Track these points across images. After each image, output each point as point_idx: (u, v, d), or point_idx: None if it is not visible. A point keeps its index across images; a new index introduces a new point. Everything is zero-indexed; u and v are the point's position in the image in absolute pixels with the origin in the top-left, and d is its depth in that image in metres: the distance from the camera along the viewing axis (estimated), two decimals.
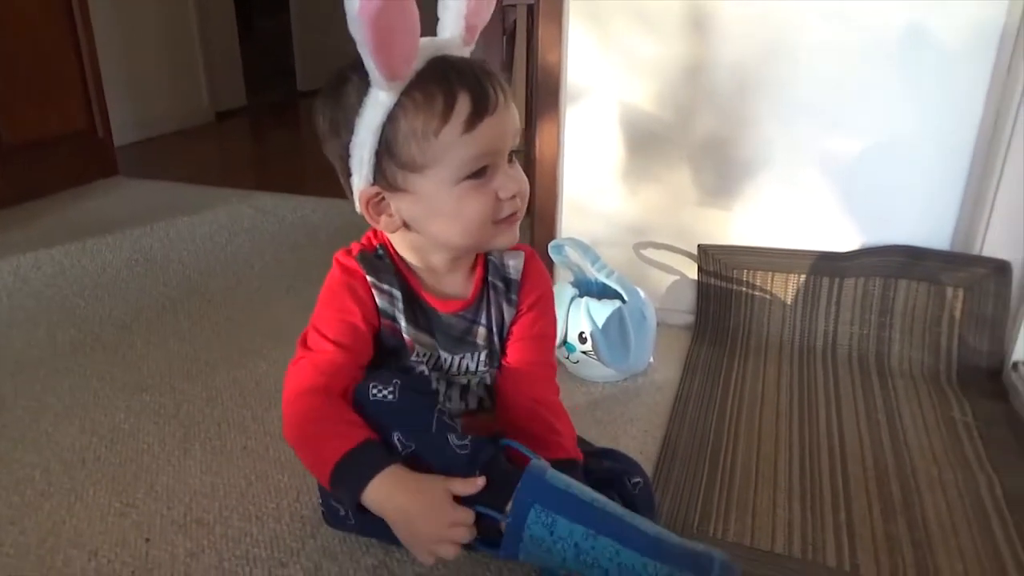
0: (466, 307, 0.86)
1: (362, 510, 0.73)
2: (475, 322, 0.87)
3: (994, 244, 1.34)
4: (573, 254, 1.37)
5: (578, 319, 1.26)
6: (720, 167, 1.45)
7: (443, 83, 0.72)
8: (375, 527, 0.79)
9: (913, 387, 1.34)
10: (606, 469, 0.87)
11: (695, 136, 1.45)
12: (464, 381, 0.88)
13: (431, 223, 0.79)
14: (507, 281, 0.88)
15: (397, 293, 0.82)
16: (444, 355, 0.86)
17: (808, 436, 1.19)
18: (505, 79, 0.77)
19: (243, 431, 1.15)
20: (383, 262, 0.83)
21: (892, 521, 1.00)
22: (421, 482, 0.73)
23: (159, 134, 3.28)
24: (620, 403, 1.27)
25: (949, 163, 1.36)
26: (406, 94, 0.72)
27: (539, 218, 1.56)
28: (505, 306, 0.88)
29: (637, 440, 1.17)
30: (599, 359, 1.26)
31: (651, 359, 1.37)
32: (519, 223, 0.81)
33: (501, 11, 1.85)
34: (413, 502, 0.72)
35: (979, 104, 1.32)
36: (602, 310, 1.25)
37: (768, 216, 1.46)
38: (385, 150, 0.75)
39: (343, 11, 0.66)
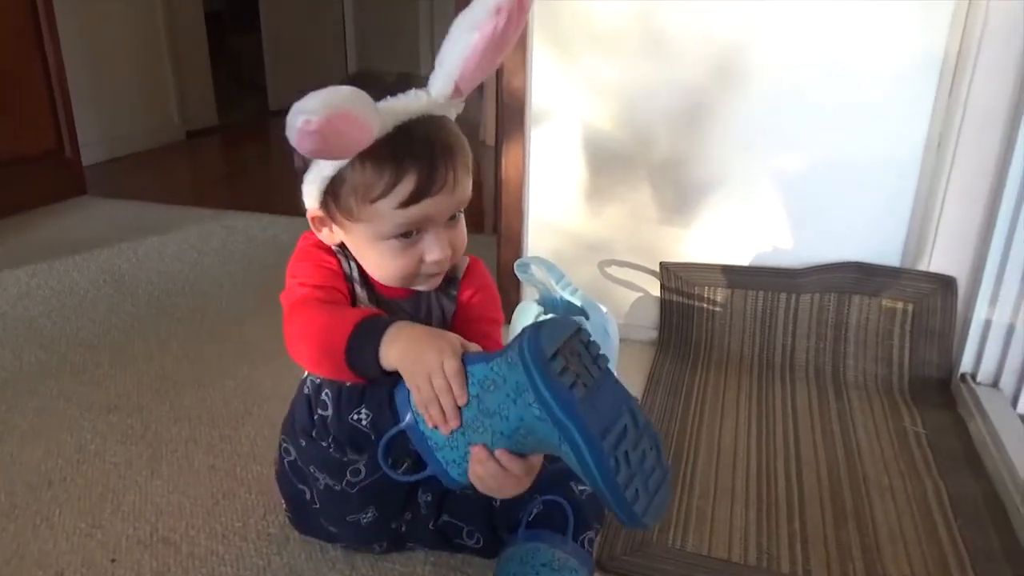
0: (406, 296, 0.88)
1: (384, 374, 0.74)
2: (414, 315, 0.89)
3: (940, 260, 1.39)
4: (538, 272, 1.40)
5: None
6: (679, 186, 1.50)
7: (394, 160, 0.75)
8: (339, 522, 0.81)
9: (867, 398, 1.39)
10: (553, 471, 0.87)
11: (654, 156, 1.49)
12: None
13: (361, 259, 0.84)
14: (449, 280, 0.91)
15: (354, 264, 0.86)
16: None
17: (766, 447, 1.23)
18: (462, 155, 0.78)
19: (210, 450, 1.16)
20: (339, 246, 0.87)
21: (844, 528, 1.04)
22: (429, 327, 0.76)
23: (128, 153, 3.26)
24: None
25: (897, 182, 1.41)
26: (360, 156, 0.74)
27: (505, 238, 1.60)
28: (445, 302, 0.91)
29: None
30: None
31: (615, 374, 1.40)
32: (440, 277, 0.86)
33: None
34: (423, 332, 0.73)
35: (924, 125, 1.37)
36: None
37: (726, 234, 1.51)
38: (331, 192, 0.79)
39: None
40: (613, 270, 1.58)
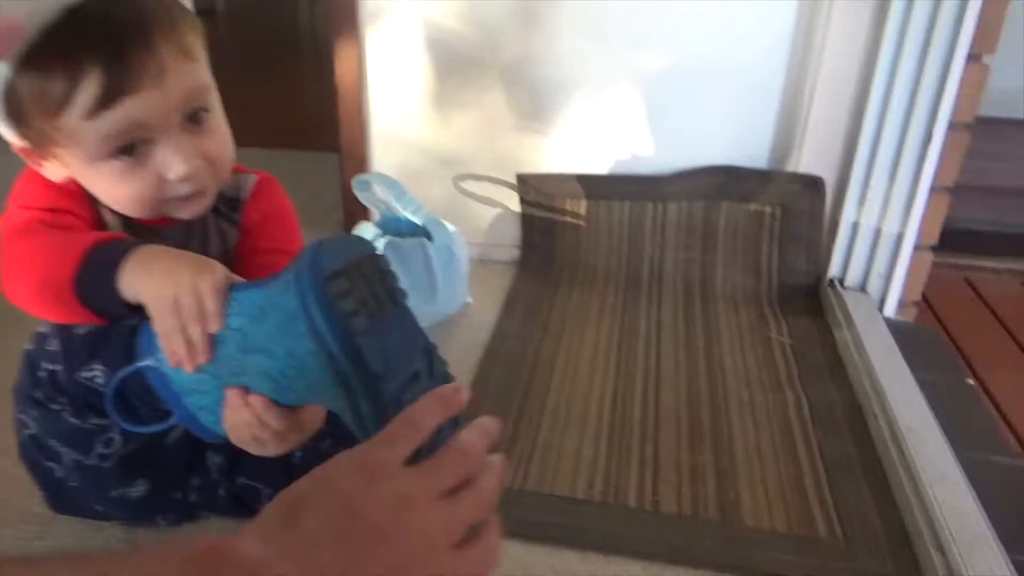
0: (171, 224, 0.71)
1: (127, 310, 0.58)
2: (185, 247, 0.71)
3: (808, 161, 1.31)
4: (380, 191, 1.25)
5: None
6: (533, 88, 1.36)
7: (63, 56, 0.57)
8: (103, 500, 0.69)
9: (734, 310, 1.32)
10: None
11: (504, 55, 1.34)
12: None
13: (92, 190, 0.67)
14: (232, 202, 0.75)
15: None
16: None
17: (625, 368, 1.14)
18: (168, 31, 0.60)
19: None
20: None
21: (699, 450, 0.97)
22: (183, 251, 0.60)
23: None
24: None
25: (764, 81, 1.31)
26: (24, 63, 0.58)
27: (347, 154, 1.43)
28: (227, 227, 0.76)
29: None
30: None
31: (468, 299, 1.28)
32: (210, 193, 0.69)
33: None
34: (179, 254, 0.57)
35: (790, 23, 1.27)
36: (405, 250, 1.15)
37: (587, 140, 1.39)
38: (16, 118, 0.62)
39: None
40: (469, 185, 1.45)
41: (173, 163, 0.63)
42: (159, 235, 0.71)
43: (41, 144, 0.64)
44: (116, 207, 0.67)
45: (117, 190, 0.65)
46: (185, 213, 0.69)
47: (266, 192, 0.78)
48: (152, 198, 0.65)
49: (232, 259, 0.76)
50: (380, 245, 1.15)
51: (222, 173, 0.69)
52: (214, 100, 0.67)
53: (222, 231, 0.76)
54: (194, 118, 0.64)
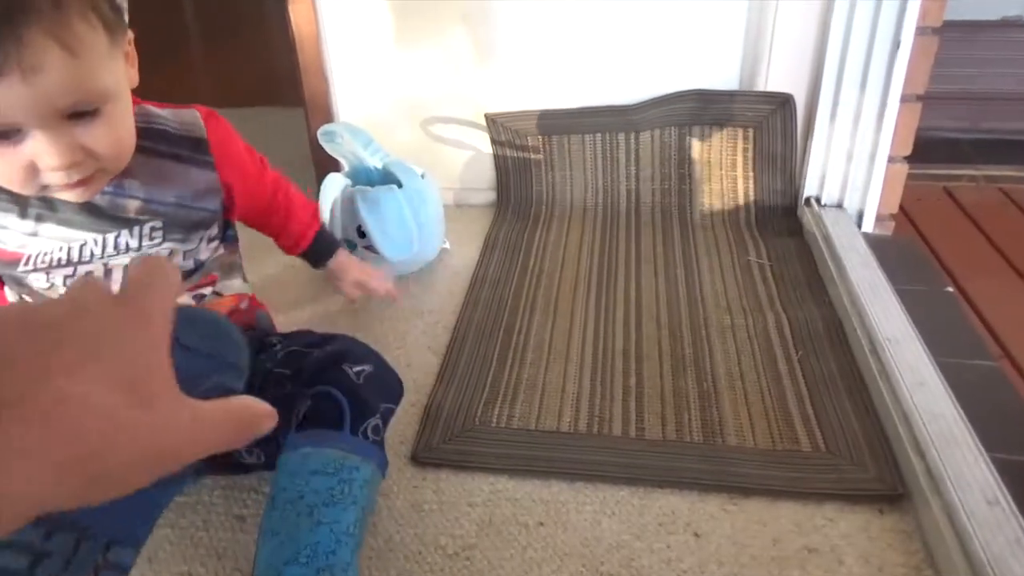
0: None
1: None
2: (121, 195, 0.71)
3: (777, 79, 1.29)
4: (347, 140, 1.23)
5: (352, 213, 1.14)
6: (496, 24, 1.32)
7: None
8: None
9: (713, 236, 1.32)
10: (321, 357, 0.74)
11: None
12: (126, 261, 0.73)
13: None
14: (181, 139, 0.73)
15: None
16: (90, 237, 0.71)
17: (605, 301, 1.14)
18: (46, 23, 0.53)
19: None
20: None
21: (681, 377, 0.98)
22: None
23: None
24: (411, 296, 1.17)
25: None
26: None
27: (311, 106, 1.40)
28: (188, 167, 0.74)
29: (427, 334, 1.08)
30: (380, 253, 1.15)
31: (445, 244, 1.27)
32: (101, 178, 0.66)
33: None
34: None
35: None
36: (376, 199, 1.13)
37: (554, 74, 1.36)
38: None
39: None
40: (438, 129, 1.42)
41: (43, 156, 0.58)
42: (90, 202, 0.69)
43: None
44: None
45: None
46: (71, 197, 0.66)
47: (223, 130, 0.78)
48: (27, 181, 0.61)
49: (202, 200, 0.76)
50: (352, 196, 1.14)
51: (115, 163, 0.65)
52: (106, 98, 0.60)
53: (181, 176, 0.74)
54: (89, 114, 0.59)
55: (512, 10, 1.31)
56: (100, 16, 0.58)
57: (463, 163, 1.45)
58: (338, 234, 1.16)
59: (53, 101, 0.56)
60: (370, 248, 1.16)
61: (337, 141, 1.24)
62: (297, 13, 1.31)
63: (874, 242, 1.24)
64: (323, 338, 0.79)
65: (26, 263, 0.70)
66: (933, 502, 0.74)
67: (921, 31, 1.16)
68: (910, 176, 1.31)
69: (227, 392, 0.36)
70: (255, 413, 0.36)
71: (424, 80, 1.38)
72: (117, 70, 0.62)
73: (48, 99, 0.56)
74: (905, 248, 1.30)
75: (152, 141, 0.72)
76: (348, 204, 1.14)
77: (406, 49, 1.35)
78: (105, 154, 0.62)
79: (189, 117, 0.75)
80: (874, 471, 0.81)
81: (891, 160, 1.27)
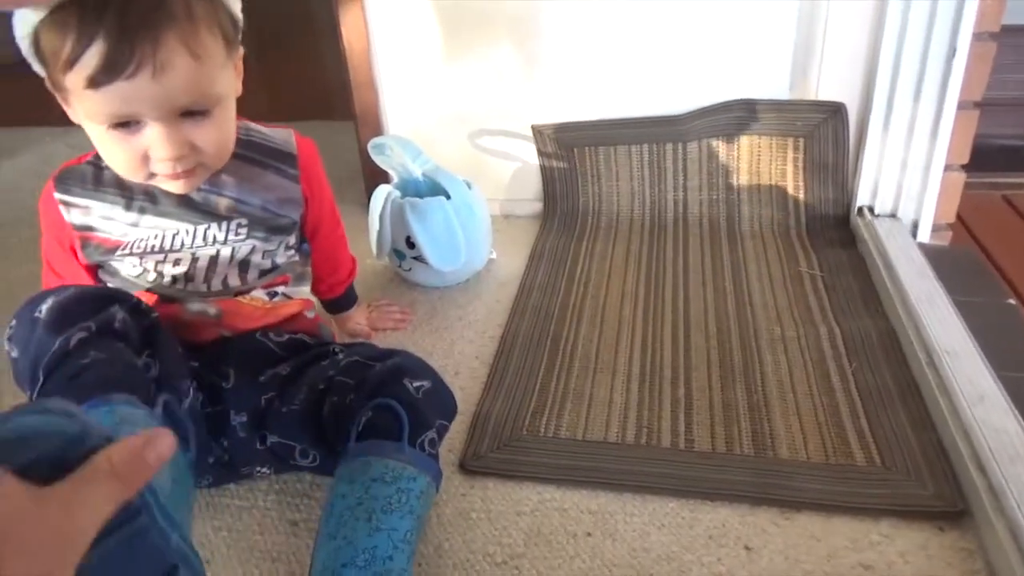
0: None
1: None
2: (214, 193, 0.80)
3: (828, 87, 1.28)
4: (396, 153, 1.25)
5: (401, 224, 1.16)
6: (542, 35, 1.33)
7: (80, 24, 0.61)
8: None
9: (762, 246, 1.30)
10: (383, 370, 0.76)
11: (511, 4, 1.31)
12: (212, 252, 0.81)
13: (93, 143, 0.72)
14: (274, 152, 0.82)
15: (91, 203, 0.77)
16: (183, 228, 0.80)
17: (653, 312, 1.13)
18: (178, 32, 0.63)
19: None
20: (88, 168, 0.77)
21: (730, 388, 0.96)
22: None
23: None
24: (458, 306, 1.19)
25: (778, 7, 1.27)
26: (50, 15, 0.61)
27: (362, 119, 1.42)
28: (280, 180, 0.82)
29: (474, 343, 1.09)
30: (429, 263, 1.16)
31: (492, 254, 1.28)
32: (202, 173, 0.75)
33: None
34: None
35: None
36: (424, 210, 1.15)
37: (601, 85, 1.36)
38: (41, 62, 0.66)
39: None
40: (485, 141, 1.44)
41: (156, 147, 0.67)
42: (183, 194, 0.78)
43: (59, 90, 0.68)
44: (110, 166, 0.73)
45: (107, 154, 0.71)
46: (174, 188, 0.75)
47: (309, 152, 0.87)
48: (138, 168, 0.70)
49: (279, 207, 0.83)
50: (401, 207, 1.16)
51: (215, 160, 0.74)
52: (217, 102, 0.69)
53: (269, 184, 0.82)
54: (200, 113, 0.68)
55: (559, 22, 1.32)
56: (222, 30, 0.68)
57: (510, 174, 1.46)
58: (387, 245, 1.18)
59: (174, 99, 0.65)
60: (419, 258, 1.17)
61: (387, 153, 1.26)
62: (348, 28, 1.34)
63: (930, 252, 1.21)
64: (385, 352, 0.82)
65: (124, 249, 0.79)
66: (996, 520, 0.72)
67: (978, 36, 1.14)
68: (967, 185, 1.28)
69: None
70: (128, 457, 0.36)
71: (472, 92, 1.39)
72: (228, 79, 0.71)
73: (170, 97, 0.64)
74: (962, 258, 1.26)
75: (249, 151, 0.81)
76: (397, 215, 1.16)
77: (454, 62, 1.37)
78: (209, 151, 0.71)
79: (283, 134, 0.85)
80: (933, 487, 0.79)
81: (947, 168, 1.24)
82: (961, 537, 0.74)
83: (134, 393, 0.64)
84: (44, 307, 0.69)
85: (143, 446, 0.37)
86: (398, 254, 1.20)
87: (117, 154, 0.69)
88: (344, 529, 0.66)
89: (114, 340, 0.69)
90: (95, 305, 0.70)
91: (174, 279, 0.82)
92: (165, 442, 0.39)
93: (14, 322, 0.70)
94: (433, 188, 1.23)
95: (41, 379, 0.66)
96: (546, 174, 1.43)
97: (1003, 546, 0.69)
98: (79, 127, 0.70)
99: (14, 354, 0.70)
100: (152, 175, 0.71)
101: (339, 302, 1.06)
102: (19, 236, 1.54)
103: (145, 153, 0.68)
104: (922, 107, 1.20)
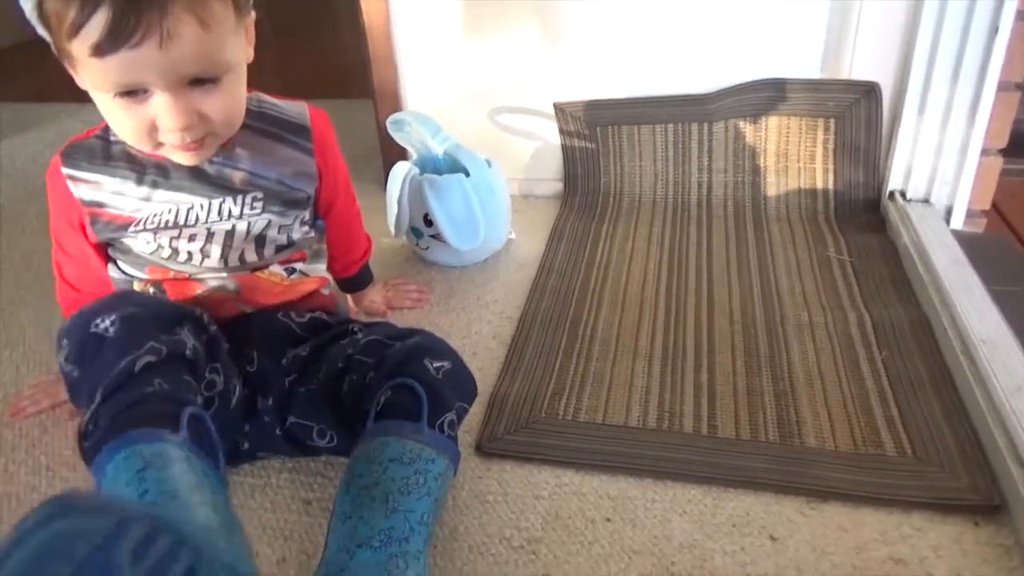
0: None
1: None
2: (228, 166, 0.78)
3: (862, 66, 1.23)
4: (415, 129, 1.22)
5: (420, 201, 1.13)
6: (565, 11, 1.29)
7: None
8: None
9: (789, 230, 1.27)
10: (404, 349, 0.75)
11: None
12: (228, 227, 0.80)
13: (101, 112, 0.70)
14: (288, 124, 0.80)
15: (100, 178, 0.75)
16: (197, 202, 0.78)
17: (675, 296, 1.11)
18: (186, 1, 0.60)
19: (45, 368, 1.01)
20: (96, 142, 0.76)
21: (755, 374, 0.94)
22: None
23: None
24: (477, 286, 1.16)
25: None
26: None
27: (380, 96, 1.40)
28: (295, 153, 0.80)
29: (492, 324, 1.07)
30: (447, 241, 1.13)
31: (511, 234, 1.26)
32: (211, 144, 0.73)
33: None
34: None
35: None
36: (443, 187, 1.12)
37: (625, 62, 1.33)
38: (47, 29, 0.64)
39: None
40: (505, 119, 1.41)
41: (164, 116, 0.66)
42: (195, 168, 0.76)
43: (65, 57, 0.66)
44: (117, 134, 0.72)
45: (115, 122, 0.69)
46: (184, 159, 0.73)
47: (323, 125, 0.85)
48: (145, 137, 0.69)
49: (295, 180, 0.81)
50: (420, 184, 1.13)
51: (225, 128, 0.72)
52: (227, 70, 0.67)
53: (284, 157, 0.80)
54: (210, 81, 0.66)
55: None
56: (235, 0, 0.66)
57: (530, 153, 1.43)
58: (405, 222, 1.16)
59: (181, 68, 0.63)
60: (437, 236, 1.15)
61: (405, 130, 1.23)
62: (368, 4, 1.31)
63: (964, 239, 1.17)
64: (405, 331, 0.80)
65: (137, 225, 0.77)
66: None
67: (1022, 15, 1.09)
68: (1003, 171, 1.23)
69: None
70: None
71: (492, 69, 1.36)
72: (239, 45, 0.69)
73: (178, 66, 0.62)
74: (998, 246, 1.22)
75: (263, 123, 0.79)
76: (416, 192, 1.13)
77: (474, 38, 1.34)
78: (218, 120, 0.69)
79: (297, 107, 0.83)
80: (967, 479, 0.76)
81: (984, 152, 1.20)
82: (997, 532, 0.71)
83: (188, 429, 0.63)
84: (108, 322, 0.68)
85: None
86: (416, 232, 1.18)
87: (124, 123, 0.67)
88: (360, 509, 0.64)
89: (183, 367, 0.68)
90: (166, 324, 0.70)
91: (189, 255, 0.80)
92: None
93: (66, 340, 0.70)
94: (452, 166, 1.20)
95: (99, 399, 0.64)
96: (567, 153, 1.40)
97: None
98: (91, 104, 0.69)
99: (75, 374, 0.69)
100: (160, 144, 0.70)
101: (354, 281, 1.04)
102: (37, 210, 1.54)
103: (152, 122, 0.66)
104: (960, 87, 1.15)
